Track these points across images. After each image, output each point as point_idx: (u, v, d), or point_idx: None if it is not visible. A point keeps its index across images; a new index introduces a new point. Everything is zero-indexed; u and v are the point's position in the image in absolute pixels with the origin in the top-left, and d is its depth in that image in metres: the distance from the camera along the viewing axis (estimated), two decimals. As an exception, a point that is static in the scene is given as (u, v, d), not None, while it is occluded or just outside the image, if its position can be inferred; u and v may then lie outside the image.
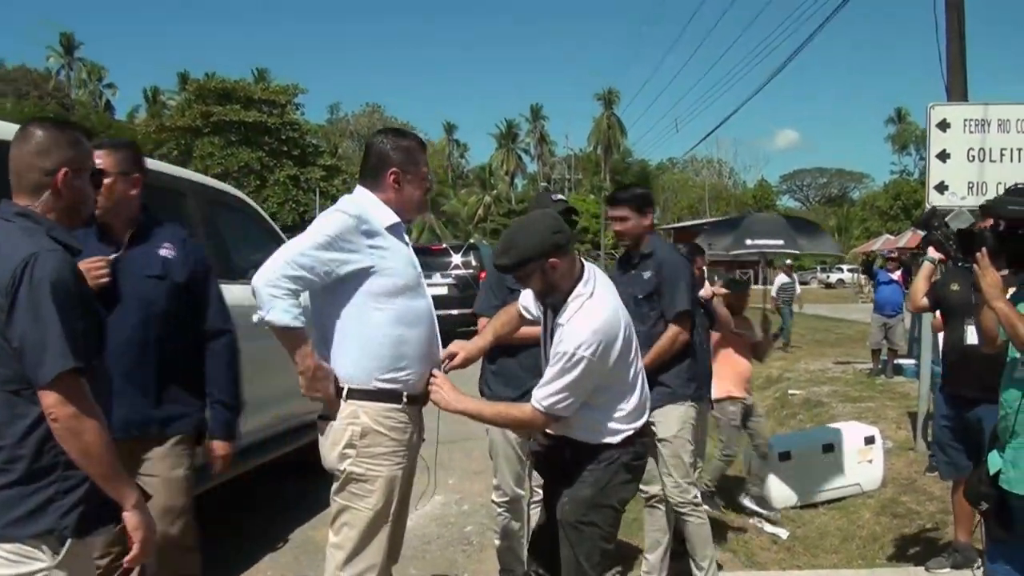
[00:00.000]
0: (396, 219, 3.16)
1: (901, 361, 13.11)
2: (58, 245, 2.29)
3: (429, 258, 18.89)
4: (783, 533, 6.14)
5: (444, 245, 21.04)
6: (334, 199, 3.88)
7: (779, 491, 6.96)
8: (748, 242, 7.88)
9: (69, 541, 2.26)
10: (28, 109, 55.73)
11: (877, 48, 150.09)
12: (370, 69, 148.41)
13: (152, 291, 3.31)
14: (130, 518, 2.36)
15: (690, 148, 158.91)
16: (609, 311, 3.12)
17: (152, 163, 5.52)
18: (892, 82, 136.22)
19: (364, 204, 3.13)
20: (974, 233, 3.34)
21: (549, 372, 3.08)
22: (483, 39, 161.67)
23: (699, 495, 4.66)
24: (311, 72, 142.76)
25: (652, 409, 4.39)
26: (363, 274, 3.03)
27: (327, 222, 3.03)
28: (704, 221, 75.46)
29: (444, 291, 16.94)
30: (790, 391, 12.27)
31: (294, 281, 2.93)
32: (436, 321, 3.28)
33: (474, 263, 18.07)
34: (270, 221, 6.62)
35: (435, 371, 3.25)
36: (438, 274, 17.63)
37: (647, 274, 4.49)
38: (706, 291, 5.76)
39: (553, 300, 3.19)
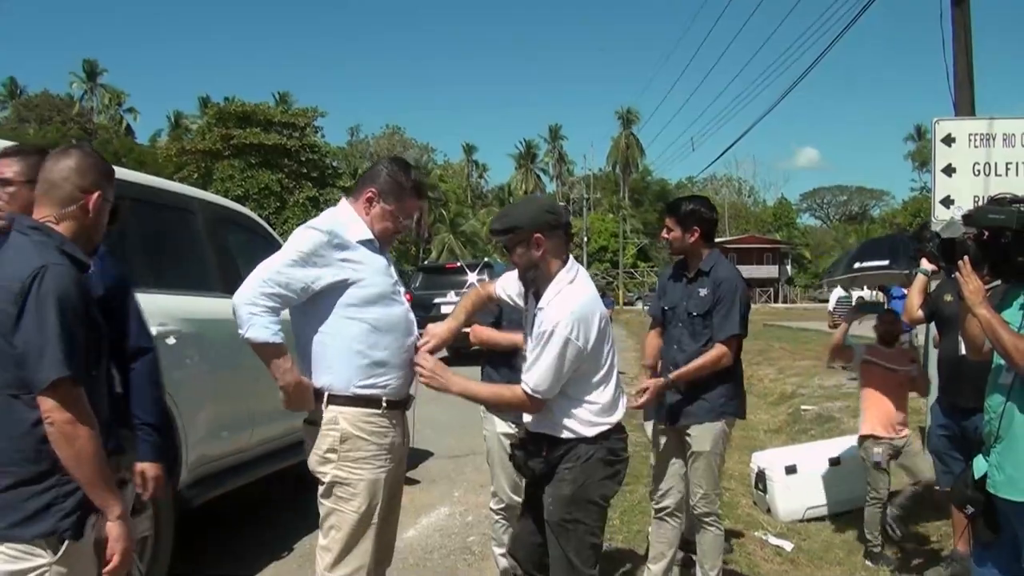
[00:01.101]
0: (369, 235, 3.26)
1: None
2: (66, 259, 2.42)
3: (444, 276, 18.99)
4: (787, 545, 6.15)
5: (459, 263, 21.13)
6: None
7: (785, 504, 6.99)
8: (856, 265, 7.81)
9: (67, 542, 2.36)
10: (51, 135, 56.48)
11: (896, 65, 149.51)
12: (390, 92, 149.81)
13: None
14: (113, 528, 2.46)
15: (706, 166, 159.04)
16: (587, 298, 3.27)
17: (162, 182, 5.69)
18: (912, 99, 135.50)
19: (339, 219, 3.25)
20: (956, 242, 3.39)
21: (532, 354, 3.23)
22: (502, 62, 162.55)
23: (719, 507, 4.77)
24: (331, 95, 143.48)
25: (691, 424, 4.53)
26: (338, 287, 3.13)
27: (300, 240, 3.13)
28: (723, 240, 75.55)
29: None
30: (803, 407, 12.23)
31: (271, 299, 3.04)
32: (415, 327, 3.38)
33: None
34: (278, 239, 6.74)
35: (426, 356, 3.34)
36: (453, 292, 17.69)
37: (703, 291, 4.53)
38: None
39: (535, 278, 3.33)
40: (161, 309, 4.56)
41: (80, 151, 2.61)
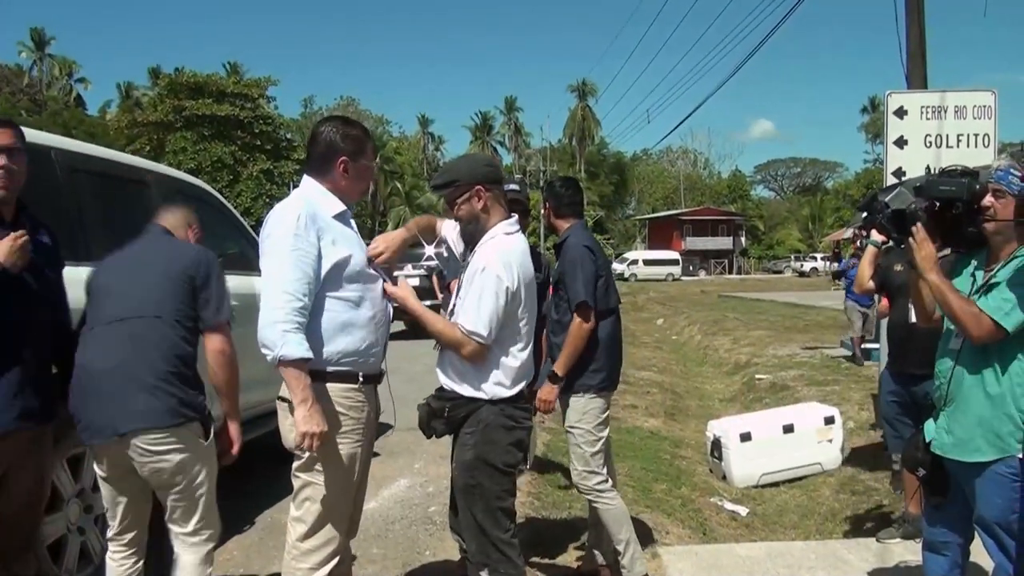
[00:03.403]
0: (342, 207, 3.23)
1: (868, 345, 13.23)
2: None
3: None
4: (742, 510, 6.27)
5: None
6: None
7: (740, 470, 7.12)
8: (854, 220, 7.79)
9: (213, 424, 3.30)
10: (0, 105, 55.13)
11: (852, 38, 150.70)
12: (344, 62, 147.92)
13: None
14: (234, 428, 3.46)
15: (662, 138, 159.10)
16: (517, 251, 3.34)
17: (118, 154, 5.59)
18: (867, 71, 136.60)
19: (309, 199, 3.17)
20: (906, 213, 3.44)
21: (467, 298, 3.28)
22: (457, 32, 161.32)
23: (605, 481, 4.48)
24: (284, 66, 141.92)
25: (564, 397, 4.50)
26: (329, 268, 3.10)
27: (284, 235, 3.04)
28: (678, 212, 75.87)
29: (416, 282, 16.95)
30: (757, 376, 12.44)
31: (300, 313, 2.99)
32: (388, 302, 3.37)
33: (446, 254, 18.06)
34: (233, 211, 6.68)
35: (396, 279, 3.42)
36: (410, 265, 17.62)
37: (557, 264, 4.57)
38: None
39: (475, 232, 3.39)
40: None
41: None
